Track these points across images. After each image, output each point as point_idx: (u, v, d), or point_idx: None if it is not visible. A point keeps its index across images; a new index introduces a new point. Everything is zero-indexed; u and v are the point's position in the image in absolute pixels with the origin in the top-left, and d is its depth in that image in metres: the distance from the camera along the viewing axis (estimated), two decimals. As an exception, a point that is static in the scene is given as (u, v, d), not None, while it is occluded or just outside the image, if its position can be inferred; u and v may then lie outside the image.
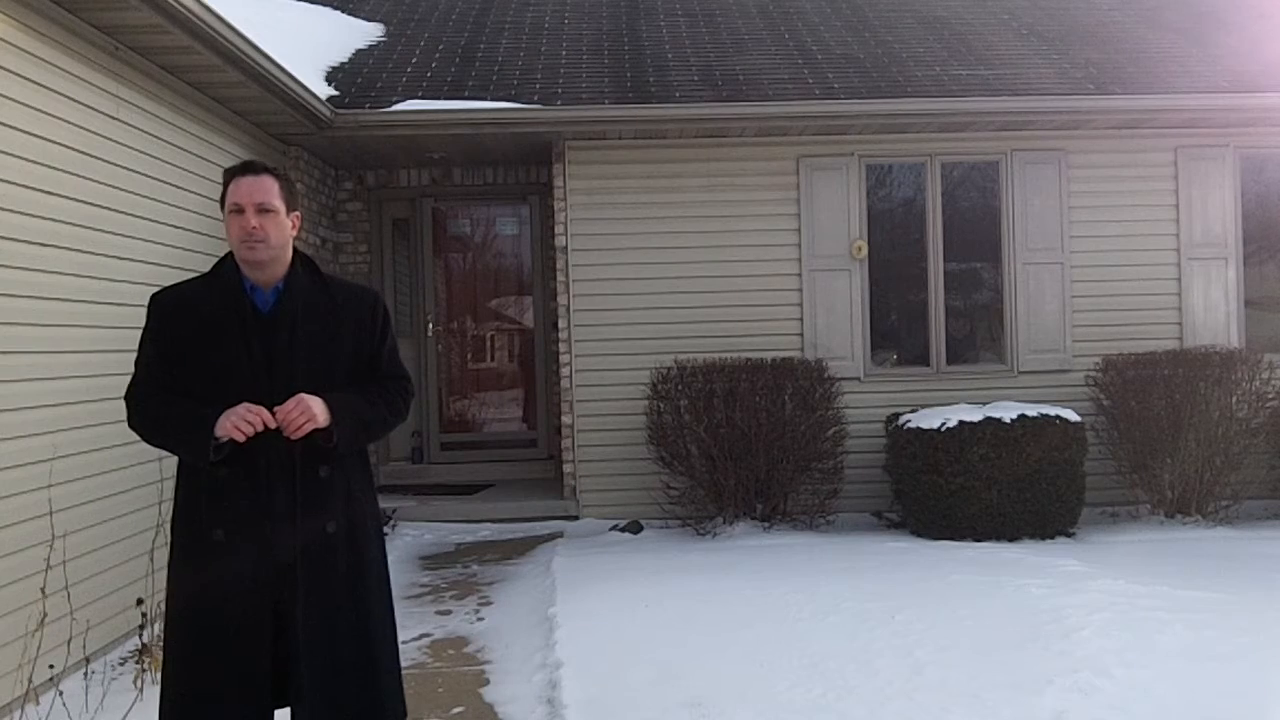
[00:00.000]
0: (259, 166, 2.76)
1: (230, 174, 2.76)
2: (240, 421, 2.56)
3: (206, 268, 2.83)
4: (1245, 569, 6.26)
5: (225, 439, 2.58)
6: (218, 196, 2.83)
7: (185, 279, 2.90)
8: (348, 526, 2.75)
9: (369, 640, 2.76)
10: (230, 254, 2.77)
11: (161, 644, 2.76)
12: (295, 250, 2.82)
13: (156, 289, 2.83)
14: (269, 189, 2.71)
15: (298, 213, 2.81)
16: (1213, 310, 8.51)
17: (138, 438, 2.80)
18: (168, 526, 2.81)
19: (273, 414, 2.60)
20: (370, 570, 2.80)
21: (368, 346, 2.84)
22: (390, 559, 2.98)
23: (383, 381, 2.87)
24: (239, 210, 2.69)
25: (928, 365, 8.50)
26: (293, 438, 2.62)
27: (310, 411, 2.62)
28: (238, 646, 2.64)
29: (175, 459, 2.77)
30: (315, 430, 2.64)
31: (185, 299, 2.76)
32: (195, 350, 2.68)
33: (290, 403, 2.61)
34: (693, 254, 8.32)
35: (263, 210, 2.68)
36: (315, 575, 2.68)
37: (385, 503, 8.32)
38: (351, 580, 2.74)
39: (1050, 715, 3.88)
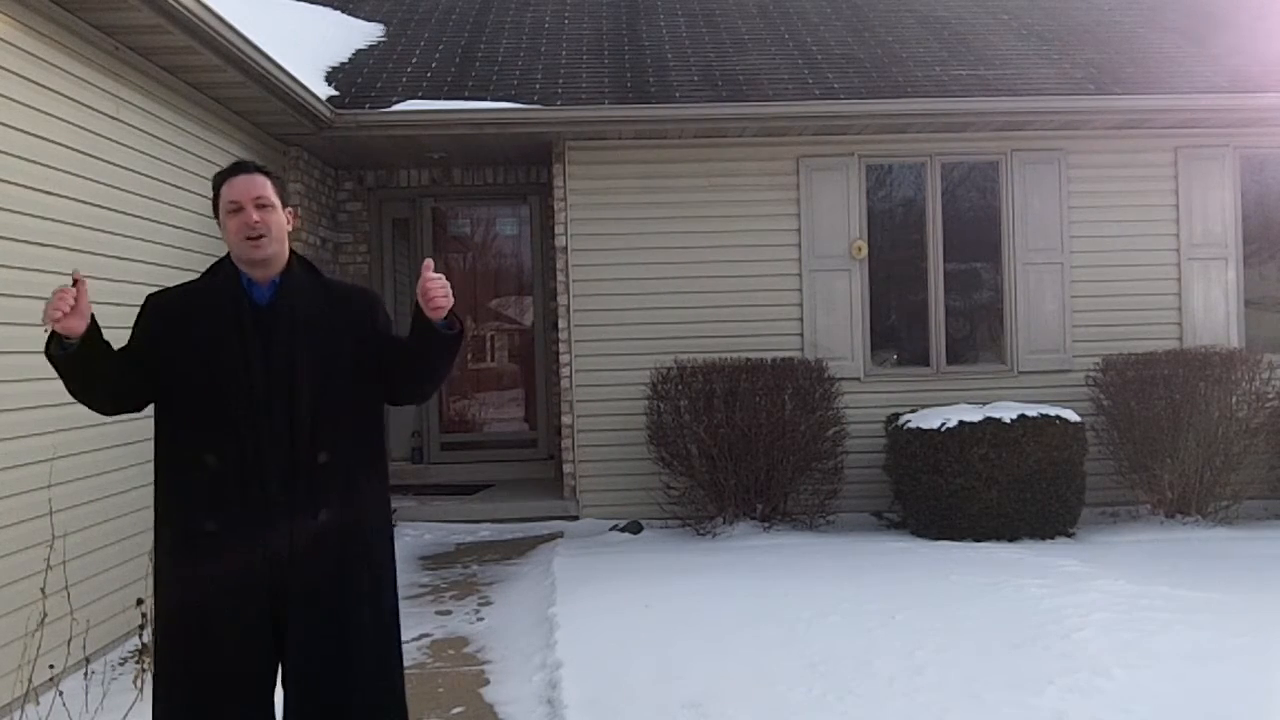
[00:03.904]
0: (250, 166, 2.75)
1: (221, 177, 2.74)
2: (51, 321, 2.46)
3: (206, 268, 2.82)
4: (1245, 569, 6.26)
5: (67, 336, 2.50)
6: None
7: (182, 282, 2.87)
8: (349, 517, 2.68)
9: (365, 643, 2.70)
10: (224, 258, 2.75)
11: (153, 646, 2.72)
12: (291, 249, 2.80)
13: (156, 289, 2.82)
14: (264, 185, 2.70)
15: (290, 209, 2.80)
16: (1213, 310, 8.51)
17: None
18: None
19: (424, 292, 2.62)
20: (372, 567, 2.74)
21: (373, 335, 2.78)
22: (391, 559, 2.94)
23: None
24: (238, 208, 2.67)
25: (928, 365, 8.50)
26: (432, 313, 2.63)
27: (449, 288, 2.64)
28: (235, 646, 2.60)
29: None
30: (433, 330, 2.65)
31: (179, 296, 2.75)
32: (189, 344, 2.63)
33: (434, 276, 2.63)
34: (693, 254, 8.32)
35: (261, 205, 2.68)
36: (312, 569, 2.62)
37: (385, 503, 8.31)
38: (353, 576, 2.68)
39: (1050, 715, 3.87)
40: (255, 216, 2.65)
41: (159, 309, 2.73)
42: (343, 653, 2.66)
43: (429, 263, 2.69)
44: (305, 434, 2.63)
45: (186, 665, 2.62)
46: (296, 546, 2.61)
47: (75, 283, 2.51)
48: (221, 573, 2.58)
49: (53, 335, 2.53)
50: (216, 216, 2.75)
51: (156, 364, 2.66)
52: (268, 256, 2.68)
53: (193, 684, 2.61)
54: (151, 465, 2.72)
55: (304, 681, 2.64)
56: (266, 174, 2.75)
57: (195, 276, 2.86)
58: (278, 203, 2.72)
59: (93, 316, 2.56)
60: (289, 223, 2.77)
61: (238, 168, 2.74)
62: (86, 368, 2.58)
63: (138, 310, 2.76)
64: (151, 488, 2.70)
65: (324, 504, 2.65)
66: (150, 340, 2.69)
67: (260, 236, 2.66)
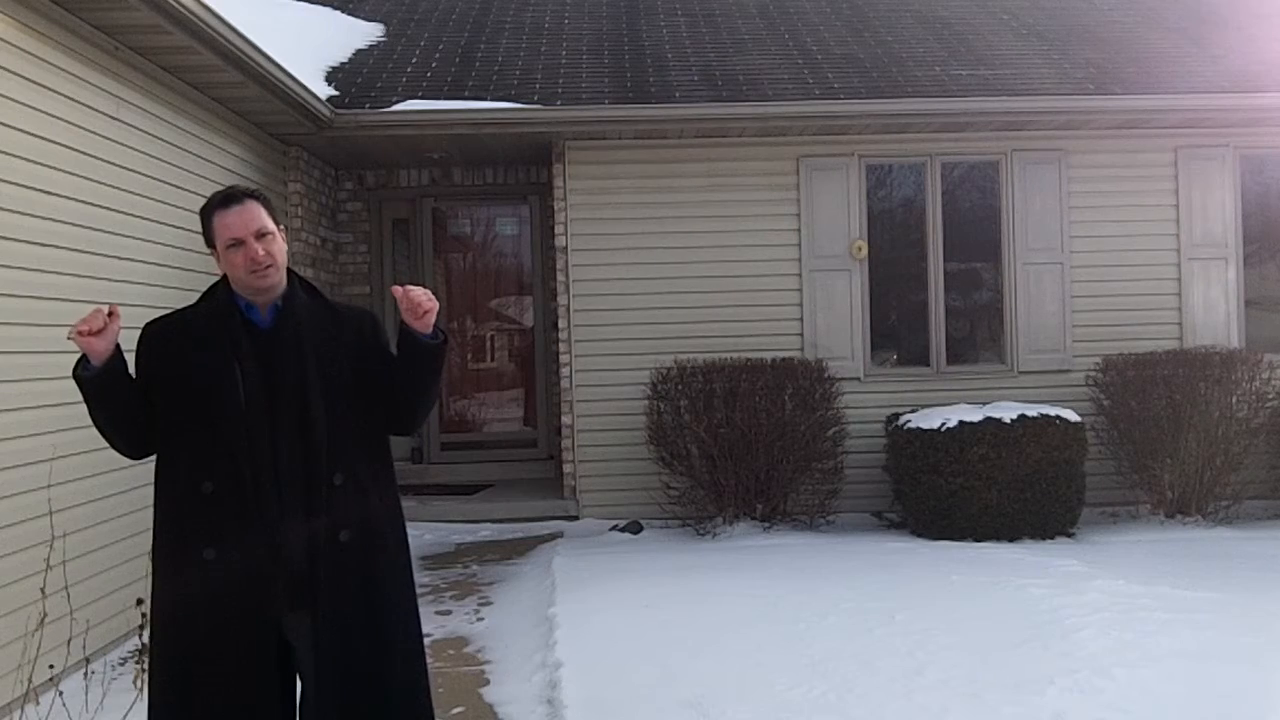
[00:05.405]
0: (240, 194, 2.65)
1: (211, 210, 2.64)
2: (75, 332, 2.46)
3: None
4: (1245, 569, 6.26)
5: (93, 361, 2.50)
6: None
7: (176, 309, 2.79)
8: (360, 537, 2.63)
9: (396, 662, 2.67)
10: (220, 282, 2.69)
11: (146, 682, 2.61)
12: (289, 269, 2.73)
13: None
14: (260, 213, 2.62)
15: (281, 227, 2.73)
16: (1213, 310, 8.50)
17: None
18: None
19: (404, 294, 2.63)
20: (386, 587, 2.69)
21: (374, 351, 2.75)
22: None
23: None
24: (239, 243, 2.58)
25: (928, 365, 8.49)
26: (415, 323, 2.63)
27: (434, 302, 2.65)
28: (244, 677, 2.53)
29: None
30: (419, 339, 2.64)
31: (177, 324, 2.68)
32: (188, 374, 2.57)
33: (415, 289, 2.64)
34: (692, 254, 8.32)
35: (262, 235, 2.60)
36: (336, 593, 2.58)
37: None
38: (379, 595, 2.65)
39: (1050, 715, 3.87)
40: (260, 251, 2.58)
41: (156, 338, 2.65)
42: (377, 673, 2.62)
43: (397, 289, 2.67)
44: (321, 456, 2.58)
45: (187, 705, 2.55)
46: (319, 570, 2.57)
47: (110, 314, 2.52)
48: (221, 602, 2.52)
49: (81, 357, 2.53)
50: (210, 246, 2.66)
51: (157, 395, 2.60)
52: (274, 285, 2.63)
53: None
54: (150, 466, 2.70)
55: (337, 712, 2.59)
56: (257, 198, 2.66)
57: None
58: (275, 227, 2.65)
59: (118, 347, 2.54)
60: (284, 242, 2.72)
61: (228, 198, 2.64)
62: (109, 394, 2.56)
63: (137, 338, 2.67)
64: (150, 488, 2.68)
65: (343, 525, 2.60)
66: (150, 371, 2.62)
67: (268, 268, 2.60)
